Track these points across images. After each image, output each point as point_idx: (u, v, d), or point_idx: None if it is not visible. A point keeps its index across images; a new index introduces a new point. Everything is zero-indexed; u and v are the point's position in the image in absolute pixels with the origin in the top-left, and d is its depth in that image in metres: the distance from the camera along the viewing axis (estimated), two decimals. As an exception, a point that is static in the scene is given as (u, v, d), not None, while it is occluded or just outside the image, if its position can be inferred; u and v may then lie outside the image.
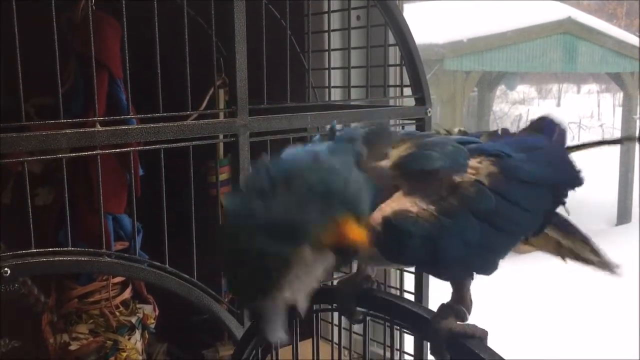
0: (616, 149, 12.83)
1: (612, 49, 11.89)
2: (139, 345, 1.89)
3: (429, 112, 1.86)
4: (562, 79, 26.19)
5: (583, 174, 1.15)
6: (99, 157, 1.33)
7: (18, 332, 2.07)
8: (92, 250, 1.35)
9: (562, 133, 1.21)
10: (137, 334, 1.89)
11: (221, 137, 1.62)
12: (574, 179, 1.14)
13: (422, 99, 1.85)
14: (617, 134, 14.43)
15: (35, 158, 1.27)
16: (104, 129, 1.32)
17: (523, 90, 25.96)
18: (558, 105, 27.93)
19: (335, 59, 2.00)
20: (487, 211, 0.98)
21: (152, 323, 1.96)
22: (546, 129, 1.20)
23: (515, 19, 11.15)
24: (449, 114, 11.20)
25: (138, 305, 1.95)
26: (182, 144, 1.45)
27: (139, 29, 1.49)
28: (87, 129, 1.30)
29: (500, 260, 1.05)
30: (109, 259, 1.37)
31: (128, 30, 1.43)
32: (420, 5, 11.68)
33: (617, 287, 7.15)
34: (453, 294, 1.04)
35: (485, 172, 1.00)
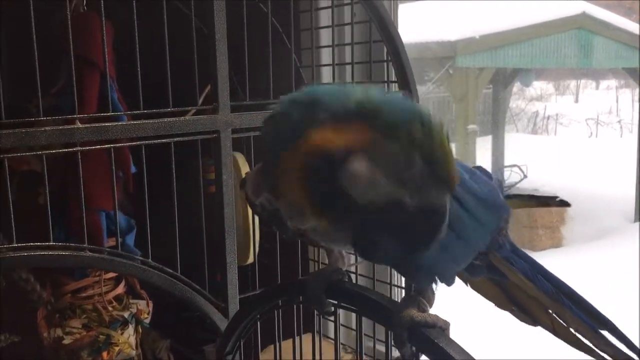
0: (634, 143, 12.69)
1: (628, 43, 11.76)
2: (132, 340, 1.92)
3: (416, 107, 1.87)
4: (580, 75, 25.97)
5: (508, 209, 1.19)
6: (79, 153, 1.36)
7: (18, 327, 2.11)
8: (73, 244, 1.39)
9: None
10: (130, 329, 1.92)
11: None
12: (506, 207, 1.18)
13: (409, 94, 1.86)
14: (635, 130, 14.26)
15: (17, 155, 1.31)
16: (84, 126, 1.35)
17: (540, 86, 25.78)
18: (576, 101, 27.68)
19: (326, 55, 2.01)
20: (450, 216, 1.00)
21: (145, 318, 1.99)
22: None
23: (529, 14, 11.08)
24: (462, 111, 11.16)
25: (132, 300, 1.98)
26: (164, 140, 1.48)
27: (132, 28, 1.52)
28: (67, 126, 1.33)
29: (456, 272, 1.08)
30: (90, 253, 1.40)
31: (121, 30, 1.46)
32: (432, 3, 11.64)
33: (618, 285, 7.09)
34: (414, 286, 1.07)
35: None
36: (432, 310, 1.05)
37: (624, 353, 1.17)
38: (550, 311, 1.23)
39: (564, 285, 1.22)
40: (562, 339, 1.24)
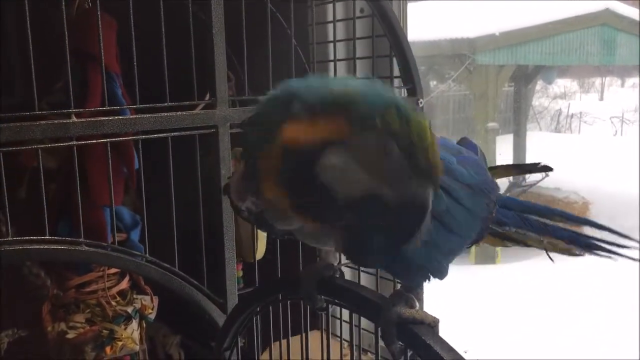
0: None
1: (653, 40, 11.57)
2: (136, 335, 1.92)
3: (421, 102, 1.85)
4: (605, 72, 25.54)
5: (496, 188, 1.18)
6: (75, 147, 1.36)
7: (24, 322, 2.13)
8: (69, 239, 1.39)
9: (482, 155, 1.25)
10: (134, 324, 1.92)
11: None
12: (494, 187, 1.16)
13: (413, 89, 1.84)
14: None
15: (11, 149, 1.31)
16: (79, 120, 1.35)
17: (564, 84, 25.45)
18: (601, 99, 27.30)
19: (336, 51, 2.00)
20: (440, 211, 0.98)
21: (150, 313, 1.99)
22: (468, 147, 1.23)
23: (551, 11, 10.94)
24: (482, 109, 11.07)
25: (136, 296, 1.98)
26: (161, 135, 1.47)
27: (129, 22, 1.52)
28: (62, 120, 1.34)
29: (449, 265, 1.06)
30: (86, 247, 1.40)
31: (125, 26, 1.46)
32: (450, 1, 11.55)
33: (619, 287, 7.02)
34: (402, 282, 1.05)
35: None
36: (423, 308, 1.04)
37: (595, 244, 1.27)
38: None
39: (545, 210, 1.28)
40: (548, 250, 1.29)
